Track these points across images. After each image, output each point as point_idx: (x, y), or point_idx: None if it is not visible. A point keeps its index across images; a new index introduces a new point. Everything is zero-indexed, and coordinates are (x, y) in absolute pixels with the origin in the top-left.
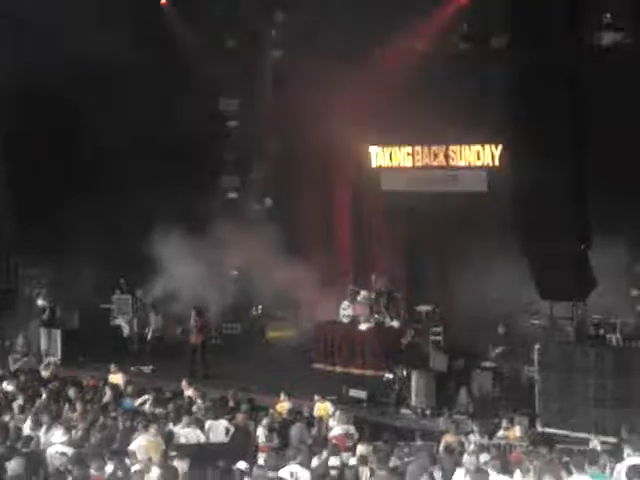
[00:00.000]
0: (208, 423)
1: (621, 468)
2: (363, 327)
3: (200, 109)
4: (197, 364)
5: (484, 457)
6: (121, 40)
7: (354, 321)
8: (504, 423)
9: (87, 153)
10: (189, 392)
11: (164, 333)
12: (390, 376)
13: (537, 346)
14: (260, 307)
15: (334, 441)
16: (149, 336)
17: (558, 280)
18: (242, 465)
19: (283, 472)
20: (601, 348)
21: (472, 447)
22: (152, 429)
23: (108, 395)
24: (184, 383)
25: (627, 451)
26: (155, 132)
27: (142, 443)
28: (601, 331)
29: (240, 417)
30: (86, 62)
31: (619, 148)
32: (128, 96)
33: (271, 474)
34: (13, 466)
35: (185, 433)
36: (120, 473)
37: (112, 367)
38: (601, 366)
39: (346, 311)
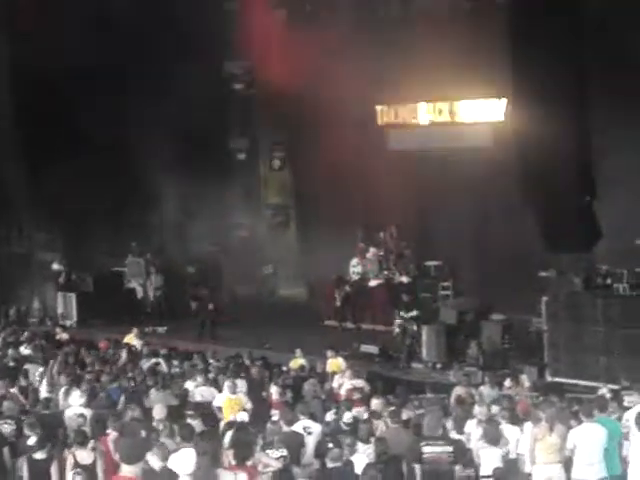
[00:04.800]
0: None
1: (630, 415)
2: (373, 283)
3: (204, 73)
4: (206, 327)
5: (495, 408)
6: (121, 7)
7: (364, 277)
8: (512, 374)
9: (96, 120)
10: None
11: (168, 292)
12: (400, 330)
13: (545, 298)
14: (270, 266)
15: (345, 396)
16: (151, 296)
17: (564, 232)
18: (243, 416)
19: (296, 427)
20: (608, 298)
21: (483, 398)
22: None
23: (124, 356)
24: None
25: (629, 399)
26: (161, 98)
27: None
28: (608, 281)
29: (254, 371)
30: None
31: (624, 99)
32: (130, 62)
33: (285, 429)
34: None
35: (200, 391)
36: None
37: (131, 332)
38: (609, 315)
39: (356, 268)
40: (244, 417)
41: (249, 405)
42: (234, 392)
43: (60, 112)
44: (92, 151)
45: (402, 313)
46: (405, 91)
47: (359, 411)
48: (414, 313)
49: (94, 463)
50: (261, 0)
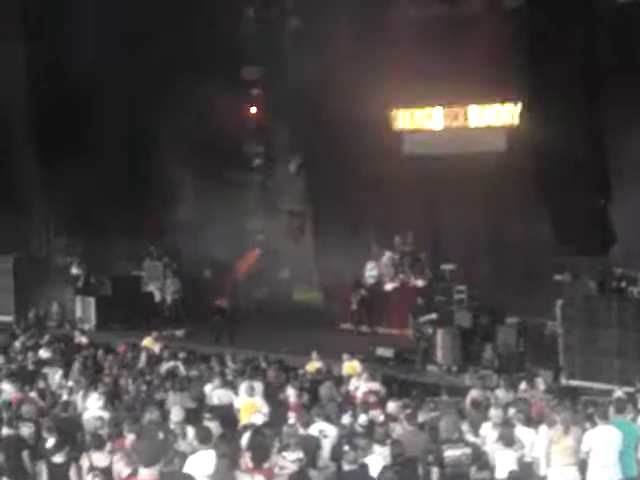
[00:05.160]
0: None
1: None
2: (388, 287)
3: (222, 78)
4: (224, 328)
5: (511, 411)
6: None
7: (379, 281)
8: (528, 377)
9: (114, 125)
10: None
11: (187, 296)
12: (415, 334)
13: (560, 301)
14: (287, 271)
15: (361, 399)
16: (169, 299)
17: (579, 235)
18: (260, 419)
19: (313, 429)
20: (623, 301)
21: (498, 401)
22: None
23: (143, 360)
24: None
25: None
26: (179, 103)
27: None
28: (623, 284)
29: (271, 374)
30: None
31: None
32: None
33: (301, 431)
34: None
35: (218, 394)
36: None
37: (149, 335)
38: (623, 318)
39: (371, 272)
40: (260, 420)
41: (266, 408)
42: (251, 395)
43: (78, 116)
44: (110, 156)
45: (418, 317)
46: (420, 96)
47: (375, 414)
48: (432, 316)
49: (111, 466)
50: (277, 7)
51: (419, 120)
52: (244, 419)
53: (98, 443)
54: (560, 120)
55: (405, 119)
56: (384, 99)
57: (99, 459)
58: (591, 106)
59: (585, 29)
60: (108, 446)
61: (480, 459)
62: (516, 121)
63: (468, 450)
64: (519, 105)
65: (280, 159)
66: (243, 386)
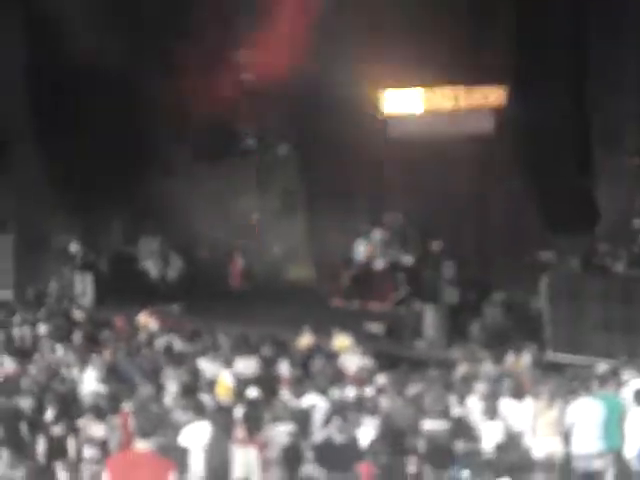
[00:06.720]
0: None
1: (628, 391)
2: (378, 264)
3: (215, 60)
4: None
5: (496, 384)
6: None
7: (369, 259)
8: (514, 351)
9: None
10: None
11: (186, 274)
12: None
13: (544, 277)
14: (279, 249)
15: (351, 373)
16: (165, 276)
17: (563, 214)
18: (253, 392)
19: (304, 402)
20: (607, 278)
21: (484, 374)
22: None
23: (140, 335)
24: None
25: (628, 375)
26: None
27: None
28: (607, 261)
29: (264, 348)
30: None
31: (627, 83)
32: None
33: (293, 404)
34: None
35: (212, 369)
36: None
37: (145, 311)
38: (608, 294)
39: (361, 249)
40: (254, 393)
41: (258, 382)
42: (244, 369)
43: (75, 90)
44: (105, 133)
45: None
46: (406, 78)
47: (364, 388)
48: (402, 293)
49: (107, 437)
50: None
51: (405, 102)
52: (238, 393)
53: (95, 415)
54: (545, 103)
55: (391, 101)
56: (369, 80)
57: (96, 430)
58: (577, 89)
59: (573, 11)
60: (106, 418)
61: (466, 431)
62: (503, 102)
63: (448, 424)
64: (505, 87)
65: (271, 139)
66: (236, 361)
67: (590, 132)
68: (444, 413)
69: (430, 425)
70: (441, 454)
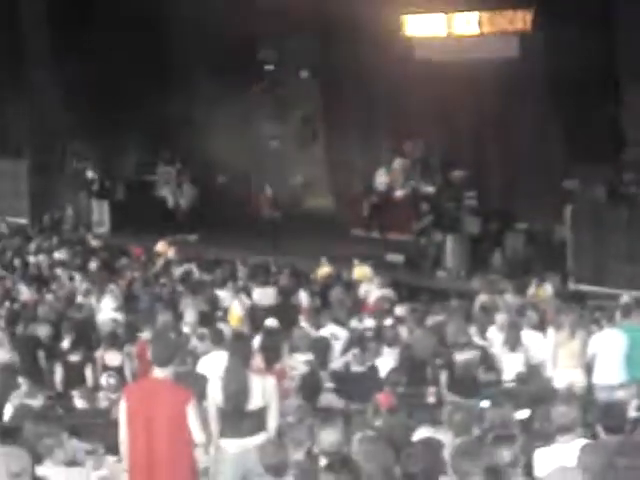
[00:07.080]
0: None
1: None
2: (399, 193)
3: None
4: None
5: (518, 315)
6: None
7: (390, 188)
8: (536, 281)
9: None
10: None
11: (200, 203)
12: (424, 239)
13: (569, 206)
14: (299, 177)
15: (373, 305)
16: (182, 205)
17: (589, 141)
18: (272, 321)
19: (323, 332)
20: (633, 206)
21: (506, 305)
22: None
23: (158, 264)
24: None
25: None
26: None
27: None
28: (632, 190)
29: (283, 278)
30: None
31: None
32: None
33: (312, 334)
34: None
35: (230, 298)
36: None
37: (163, 240)
38: (633, 223)
39: (382, 178)
40: (273, 322)
41: (276, 312)
42: (263, 299)
43: (92, 12)
44: (123, 55)
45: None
46: (432, 1)
47: (384, 318)
48: (425, 222)
49: (123, 365)
50: None
51: (430, 26)
52: (253, 322)
53: (112, 343)
54: (573, 27)
55: (416, 25)
56: (396, 4)
57: (112, 359)
58: (606, 14)
59: None
60: (123, 346)
61: (487, 361)
62: (529, 26)
63: (477, 353)
64: (532, 10)
65: (292, 65)
66: (256, 290)
67: (617, 58)
68: (469, 343)
69: (460, 356)
70: (465, 384)
